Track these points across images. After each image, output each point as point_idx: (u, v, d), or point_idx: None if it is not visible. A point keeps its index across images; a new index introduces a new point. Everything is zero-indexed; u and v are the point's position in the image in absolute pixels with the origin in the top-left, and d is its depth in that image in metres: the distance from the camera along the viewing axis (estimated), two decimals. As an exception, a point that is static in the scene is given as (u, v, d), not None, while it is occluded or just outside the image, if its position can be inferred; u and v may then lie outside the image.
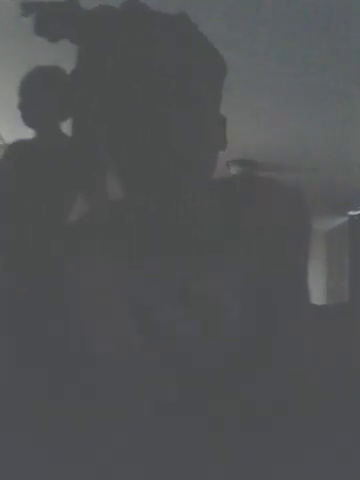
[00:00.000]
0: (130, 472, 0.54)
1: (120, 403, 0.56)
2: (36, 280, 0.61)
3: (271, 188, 0.67)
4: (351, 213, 4.79)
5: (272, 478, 0.56)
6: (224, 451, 0.54)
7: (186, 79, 0.58)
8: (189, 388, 0.56)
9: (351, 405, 0.59)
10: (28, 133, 1.84)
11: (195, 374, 0.57)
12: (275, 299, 0.61)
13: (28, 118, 1.81)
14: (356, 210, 4.67)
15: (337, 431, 0.58)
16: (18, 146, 1.88)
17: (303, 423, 0.57)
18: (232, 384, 0.57)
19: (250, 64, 2.40)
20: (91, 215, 0.72)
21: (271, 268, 0.62)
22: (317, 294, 5.01)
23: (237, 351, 0.58)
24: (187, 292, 0.59)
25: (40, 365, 0.58)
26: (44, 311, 0.59)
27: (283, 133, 3.23)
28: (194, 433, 0.55)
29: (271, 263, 0.62)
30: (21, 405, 0.56)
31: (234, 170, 3.74)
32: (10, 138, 2.28)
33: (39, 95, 1.77)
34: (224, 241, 0.62)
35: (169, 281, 0.60)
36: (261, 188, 0.66)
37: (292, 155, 3.55)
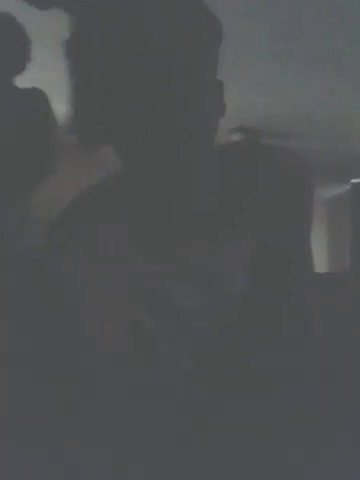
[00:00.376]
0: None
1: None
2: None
3: (273, 155, 0.65)
4: (354, 181, 4.75)
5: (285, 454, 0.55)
6: (236, 418, 0.55)
7: (180, 44, 0.56)
8: (201, 358, 0.57)
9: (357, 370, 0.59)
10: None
11: (206, 344, 0.57)
12: (281, 267, 0.60)
13: None
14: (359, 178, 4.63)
15: (343, 396, 0.58)
16: None
17: (312, 391, 0.57)
18: (242, 353, 0.57)
19: (248, 27, 2.34)
20: (93, 189, 0.70)
21: (276, 237, 0.61)
22: (319, 262, 5.00)
23: (246, 321, 0.58)
24: (192, 265, 0.58)
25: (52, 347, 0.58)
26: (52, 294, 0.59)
27: (284, 99, 3.17)
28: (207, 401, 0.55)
29: (276, 232, 0.61)
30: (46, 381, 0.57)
31: (235, 137, 3.70)
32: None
33: None
34: (227, 211, 0.61)
35: (171, 255, 0.58)
36: (263, 155, 0.65)
37: (294, 122, 3.50)
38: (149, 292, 0.58)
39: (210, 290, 0.58)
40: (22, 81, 1.71)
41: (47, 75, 1.95)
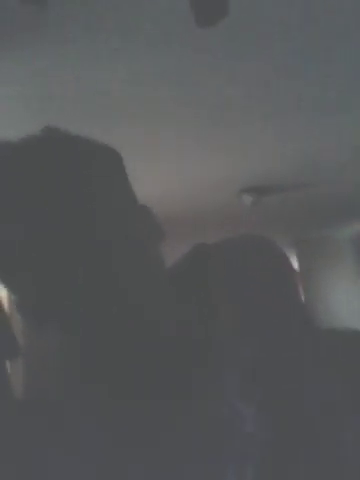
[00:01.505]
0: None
1: None
2: None
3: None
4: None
5: None
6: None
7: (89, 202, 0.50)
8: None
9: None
10: None
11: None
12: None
13: None
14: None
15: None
16: None
17: None
18: None
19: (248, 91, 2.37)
20: None
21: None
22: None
23: None
24: None
25: None
26: None
27: (288, 153, 3.19)
28: None
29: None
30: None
31: (246, 199, 3.66)
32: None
33: None
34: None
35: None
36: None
37: (302, 172, 3.48)
38: None
39: None
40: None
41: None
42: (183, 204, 3.79)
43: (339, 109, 2.64)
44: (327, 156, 3.26)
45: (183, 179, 3.37)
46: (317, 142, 3.03)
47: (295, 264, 5.04)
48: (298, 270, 5.20)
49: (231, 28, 1.76)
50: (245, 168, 3.27)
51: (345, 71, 2.27)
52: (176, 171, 3.23)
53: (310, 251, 5.14)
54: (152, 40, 1.89)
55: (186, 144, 2.84)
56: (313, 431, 0.44)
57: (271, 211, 4.15)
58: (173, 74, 2.13)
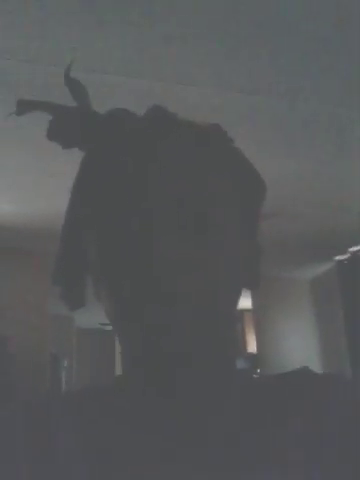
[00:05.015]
0: None
1: None
2: None
3: None
4: (338, 258, 4.55)
5: None
6: None
7: (210, 206, 0.46)
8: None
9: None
10: None
11: None
12: None
13: None
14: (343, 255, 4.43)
15: None
16: None
17: None
18: None
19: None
20: None
21: None
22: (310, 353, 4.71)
23: None
24: None
25: None
26: None
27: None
28: None
29: None
30: None
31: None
32: None
33: None
34: None
35: None
36: None
37: (273, 202, 3.33)
38: None
39: None
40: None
41: None
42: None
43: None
44: (292, 191, 3.09)
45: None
46: (281, 177, 2.84)
47: (248, 301, 4.95)
48: (251, 307, 5.11)
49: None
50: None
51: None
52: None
53: (266, 289, 4.99)
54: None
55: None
56: None
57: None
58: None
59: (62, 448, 0.47)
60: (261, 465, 0.43)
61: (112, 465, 0.45)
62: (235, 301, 0.50)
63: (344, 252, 4.24)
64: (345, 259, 4.29)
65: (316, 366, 4.87)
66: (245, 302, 5.13)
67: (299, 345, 5.00)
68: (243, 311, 6.04)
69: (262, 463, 0.43)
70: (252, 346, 6.02)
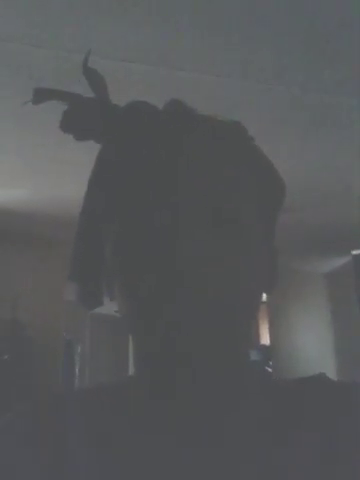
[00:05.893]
0: None
1: None
2: None
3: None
4: (355, 252, 4.51)
5: None
6: None
7: (231, 203, 0.46)
8: None
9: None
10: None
11: None
12: None
13: None
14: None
15: None
16: None
17: None
18: None
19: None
20: None
21: None
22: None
23: None
24: None
25: None
26: None
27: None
28: None
29: None
30: None
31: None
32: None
33: None
34: None
35: None
36: None
37: (291, 195, 3.29)
38: None
39: None
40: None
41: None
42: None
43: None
44: (306, 184, 3.04)
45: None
46: (296, 169, 2.83)
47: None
48: (265, 301, 5.10)
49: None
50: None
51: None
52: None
53: (280, 282, 4.96)
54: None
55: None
56: None
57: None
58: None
59: (73, 449, 0.46)
60: (274, 467, 0.42)
61: (125, 465, 0.44)
62: (255, 301, 0.49)
63: (361, 246, 4.20)
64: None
65: (329, 360, 4.85)
66: (259, 294, 5.10)
67: (312, 338, 4.98)
68: (257, 303, 6.01)
69: (275, 465, 0.42)
70: (265, 338, 6.01)
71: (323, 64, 2.01)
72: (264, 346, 5.75)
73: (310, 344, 4.91)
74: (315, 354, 4.83)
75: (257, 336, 6.43)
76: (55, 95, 0.50)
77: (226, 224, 0.45)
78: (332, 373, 4.56)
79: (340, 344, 4.97)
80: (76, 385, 4.45)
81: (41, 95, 0.50)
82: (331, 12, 1.74)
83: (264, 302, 5.33)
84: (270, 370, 4.96)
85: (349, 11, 1.72)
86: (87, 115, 0.49)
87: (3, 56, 1.93)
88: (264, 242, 0.50)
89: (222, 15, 1.76)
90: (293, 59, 1.97)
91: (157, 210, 0.45)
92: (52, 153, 2.76)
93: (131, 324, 0.47)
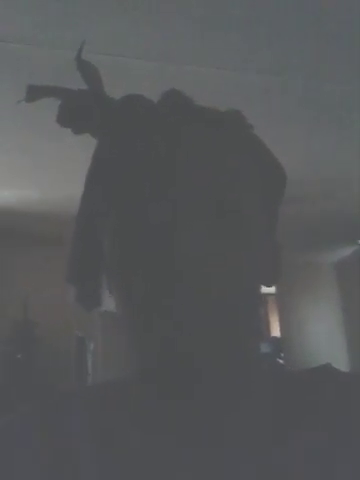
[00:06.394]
0: None
1: None
2: None
3: None
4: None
5: None
6: None
7: (234, 193, 0.44)
8: None
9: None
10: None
11: None
12: None
13: None
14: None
15: None
16: None
17: None
18: None
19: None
20: None
21: None
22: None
23: None
24: None
25: None
26: None
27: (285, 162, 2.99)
28: None
29: None
30: None
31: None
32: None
33: None
34: None
35: None
36: None
37: (297, 185, 3.28)
38: None
39: None
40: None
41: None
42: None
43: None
44: (312, 174, 3.04)
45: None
46: (303, 162, 2.83)
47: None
48: (275, 292, 5.09)
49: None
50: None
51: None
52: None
53: (289, 273, 4.96)
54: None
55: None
56: None
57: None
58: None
59: (75, 448, 0.45)
60: (280, 462, 0.42)
61: (127, 464, 0.43)
62: (258, 296, 0.48)
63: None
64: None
65: (339, 350, 4.84)
66: (268, 286, 5.10)
67: (323, 329, 4.97)
68: (266, 295, 6.03)
69: (281, 460, 0.42)
70: (276, 330, 6.01)
71: (324, 56, 1.99)
72: (275, 338, 5.75)
73: (321, 334, 4.91)
74: (326, 344, 4.83)
75: (268, 328, 6.43)
76: (49, 91, 0.48)
77: (228, 216, 0.43)
78: (343, 363, 4.56)
79: (350, 332, 4.96)
80: (89, 382, 4.47)
81: (35, 92, 0.49)
82: (334, 5, 1.72)
83: (273, 294, 5.33)
84: (282, 362, 4.96)
85: (354, 4, 1.70)
86: (82, 107, 0.47)
87: (3, 56, 1.93)
88: (266, 235, 0.49)
89: (223, 8, 1.75)
90: (295, 51, 1.96)
91: (156, 204, 0.43)
92: (65, 151, 2.75)
93: (128, 323, 0.45)
